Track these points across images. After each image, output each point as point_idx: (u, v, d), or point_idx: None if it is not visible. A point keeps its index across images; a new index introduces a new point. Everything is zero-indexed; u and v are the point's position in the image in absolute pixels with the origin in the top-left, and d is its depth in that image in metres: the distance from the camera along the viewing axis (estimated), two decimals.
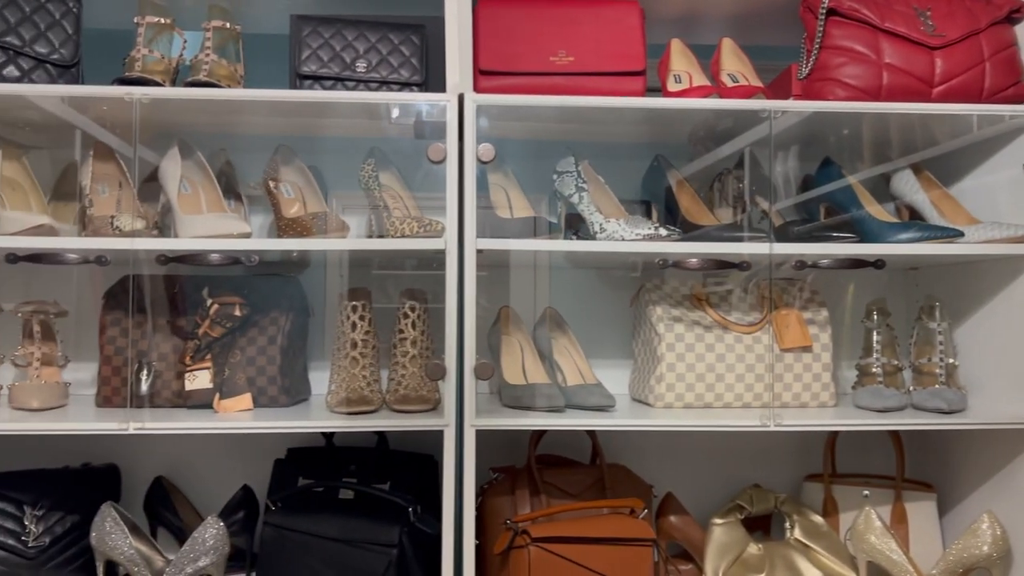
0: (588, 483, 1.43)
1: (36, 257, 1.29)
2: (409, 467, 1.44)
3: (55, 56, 1.28)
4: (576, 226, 1.43)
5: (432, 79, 1.37)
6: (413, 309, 1.40)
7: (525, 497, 1.39)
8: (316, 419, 1.31)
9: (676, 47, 1.42)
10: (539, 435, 1.45)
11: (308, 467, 1.44)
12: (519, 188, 1.48)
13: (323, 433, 1.48)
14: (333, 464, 1.44)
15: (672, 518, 1.46)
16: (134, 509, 1.45)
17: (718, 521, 1.42)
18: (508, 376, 1.42)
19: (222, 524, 1.28)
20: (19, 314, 1.38)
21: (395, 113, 1.37)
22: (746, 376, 1.39)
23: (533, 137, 1.56)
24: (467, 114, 1.25)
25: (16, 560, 1.31)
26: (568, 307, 1.53)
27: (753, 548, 1.40)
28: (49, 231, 1.26)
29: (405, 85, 1.34)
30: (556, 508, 1.35)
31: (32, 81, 1.27)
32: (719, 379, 1.39)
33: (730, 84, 1.39)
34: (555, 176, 1.44)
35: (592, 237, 1.36)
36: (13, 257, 1.27)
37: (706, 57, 1.45)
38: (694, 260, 1.36)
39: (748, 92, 1.35)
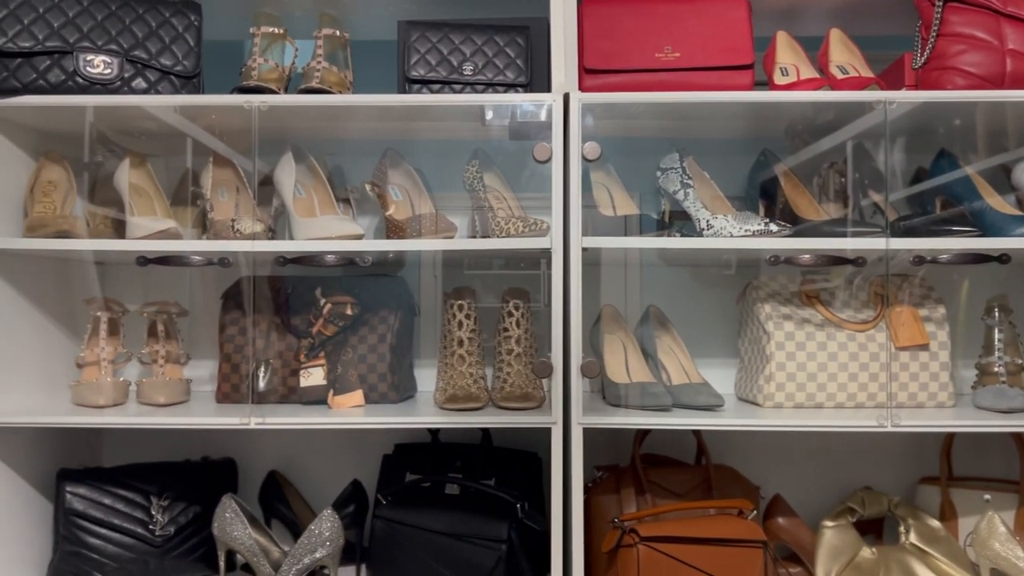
0: (694, 483, 1.42)
1: (163, 260, 1.35)
2: (513, 464, 1.46)
3: (179, 68, 1.34)
4: (677, 223, 1.42)
5: (534, 80, 1.38)
6: (517, 308, 1.41)
7: (631, 496, 1.39)
8: (425, 415, 1.34)
9: (782, 39, 1.40)
10: (643, 434, 1.44)
11: (415, 462, 1.47)
12: (621, 186, 1.48)
13: (429, 429, 1.51)
14: (439, 460, 1.46)
15: (780, 520, 1.43)
16: (249, 502, 1.50)
17: (829, 524, 1.38)
18: (612, 374, 1.42)
19: (337, 517, 1.32)
20: (144, 314, 1.45)
21: (490, 115, 1.38)
22: (859, 375, 1.35)
23: (629, 135, 1.56)
24: (572, 113, 1.26)
25: (144, 548, 1.38)
26: (661, 304, 1.52)
27: (867, 552, 1.36)
28: (174, 235, 1.32)
29: (511, 86, 1.35)
30: (663, 507, 1.34)
31: (158, 92, 1.33)
32: (831, 378, 1.35)
33: (840, 76, 1.36)
34: (659, 172, 1.43)
35: (698, 233, 1.34)
36: (143, 260, 1.34)
37: (811, 49, 1.42)
38: (807, 256, 1.33)
39: (861, 83, 1.31)
